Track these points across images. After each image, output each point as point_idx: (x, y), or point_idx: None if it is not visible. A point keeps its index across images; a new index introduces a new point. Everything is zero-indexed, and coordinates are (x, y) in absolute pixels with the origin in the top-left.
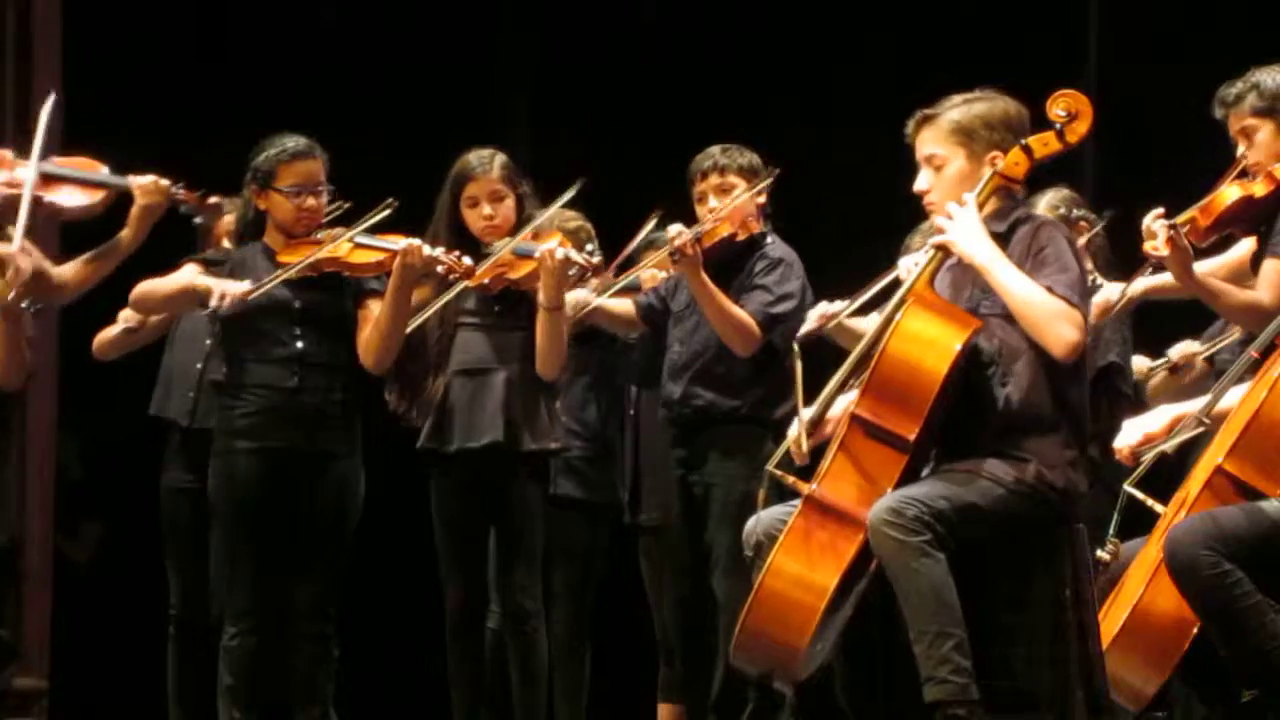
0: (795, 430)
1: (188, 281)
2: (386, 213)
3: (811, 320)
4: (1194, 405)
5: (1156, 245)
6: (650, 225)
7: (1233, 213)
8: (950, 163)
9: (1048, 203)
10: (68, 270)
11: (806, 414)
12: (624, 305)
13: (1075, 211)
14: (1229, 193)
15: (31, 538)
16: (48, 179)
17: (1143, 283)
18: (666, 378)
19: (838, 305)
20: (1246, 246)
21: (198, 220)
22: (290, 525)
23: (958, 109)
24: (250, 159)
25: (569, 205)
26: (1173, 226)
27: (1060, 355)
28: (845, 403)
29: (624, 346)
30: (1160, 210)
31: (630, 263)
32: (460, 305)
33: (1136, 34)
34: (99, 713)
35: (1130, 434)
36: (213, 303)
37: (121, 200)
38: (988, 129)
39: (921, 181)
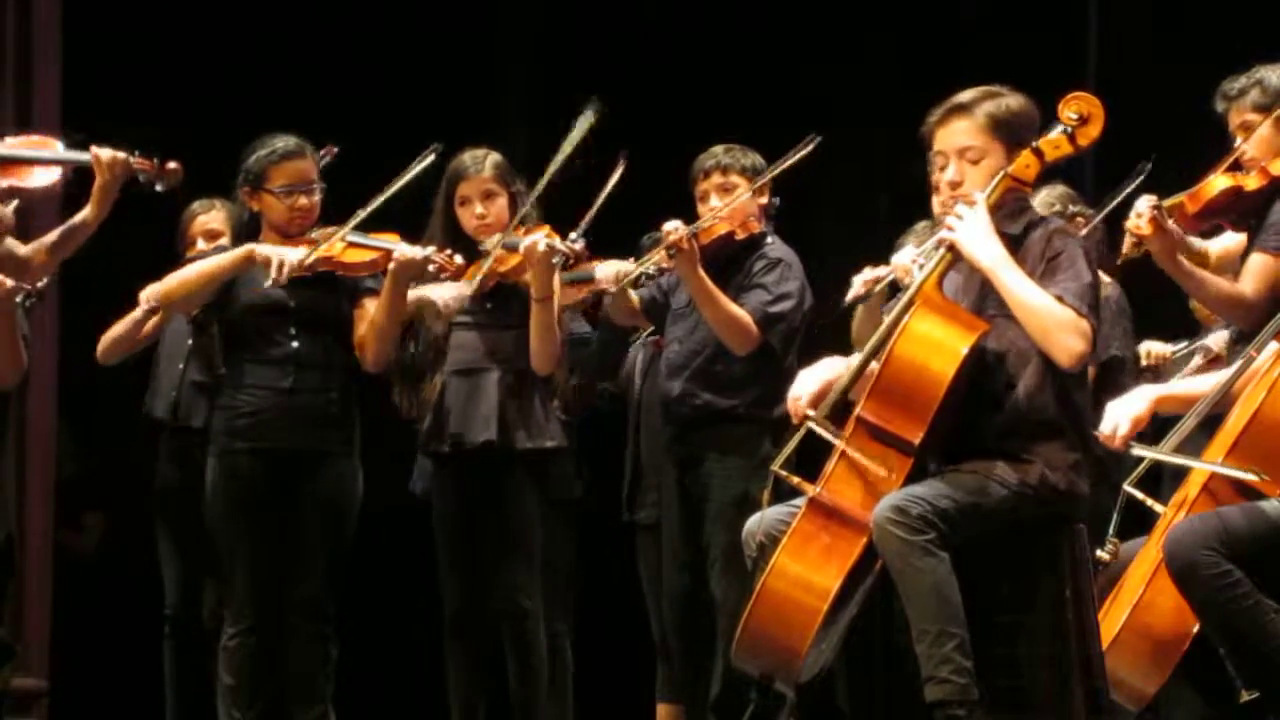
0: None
1: (247, 250)
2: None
3: (857, 285)
4: (1176, 387)
5: (1140, 224)
6: (617, 174)
7: (1221, 203)
8: (988, 155)
9: (1042, 200)
10: (32, 249)
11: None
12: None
13: (1071, 207)
14: (1218, 182)
15: (30, 537)
16: (3, 162)
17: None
18: (664, 376)
19: (883, 270)
20: (1233, 238)
21: (159, 188)
22: (288, 525)
23: (990, 102)
24: (241, 160)
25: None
26: (1157, 207)
27: (1065, 365)
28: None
29: (579, 340)
30: (1154, 198)
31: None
32: None
33: (1136, 34)
34: (99, 713)
35: (1120, 422)
36: (272, 274)
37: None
38: (1020, 126)
39: (953, 173)
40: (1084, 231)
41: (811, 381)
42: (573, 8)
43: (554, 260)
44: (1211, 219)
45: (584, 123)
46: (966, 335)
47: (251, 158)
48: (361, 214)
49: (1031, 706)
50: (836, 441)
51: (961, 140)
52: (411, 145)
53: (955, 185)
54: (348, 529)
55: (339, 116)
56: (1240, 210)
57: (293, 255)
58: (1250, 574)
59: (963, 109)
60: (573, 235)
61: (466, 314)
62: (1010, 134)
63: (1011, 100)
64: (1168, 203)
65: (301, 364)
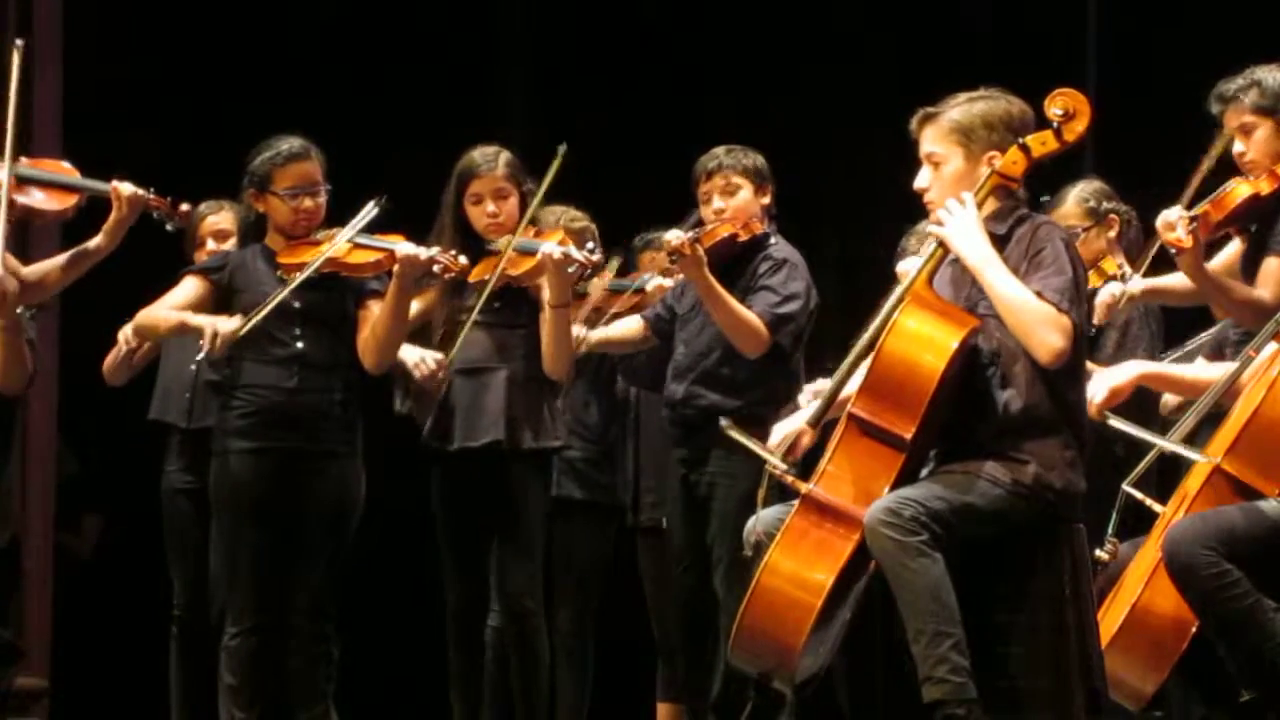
0: (777, 438)
1: (180, 320)
2: (375, 212)
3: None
4: (1162, 366)
5: (1179, 237)
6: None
7: (1242, 210)
8: (949, 161)
9: (1077, 194)
10: (43, 269)
11: (804, 414)
12: (628, 327)
13: (1105, 204)
14: (1241, 189)
15: (31, 537)
16: (20, 181)
17: (1140, 283)
18: (670, 378)
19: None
20: (1237, 247)
21: (169, 228)
22: (290, 525)
23: (959, 108)
24: (246, 163)
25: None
26: (1193, 219)
27: (1044, 361)
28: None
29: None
30: (1182, 209)
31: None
32: (462, 303)
33: (1136, 34)
34: (100, 713)
35: (1098, 390)
36: (204, 345)
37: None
38: (987, 129)
39: (921, 179)
40: (1114, 232)
41: (788, 425)
42: (572, 8)
43: (569, 269)
44: (1230, 225)
45: (554, 164)
46: (957, 331)
47: (256, 160)
48: (298, 277)
49: (1031, 706)
50: (798, 486)
51: (928, 146)
52: (411, 145)
53: (921, 191)
54: (350, 529)
55: (339, 116)
56: (1249, 215)
57: (225, 326)
58: (1249, 573)
59: (931, 115)
60: (589, 245)
61: (476, 313)
62: (971, 139)
63: (982, 105)
64: (1193, 212)
65: (306, 364)
